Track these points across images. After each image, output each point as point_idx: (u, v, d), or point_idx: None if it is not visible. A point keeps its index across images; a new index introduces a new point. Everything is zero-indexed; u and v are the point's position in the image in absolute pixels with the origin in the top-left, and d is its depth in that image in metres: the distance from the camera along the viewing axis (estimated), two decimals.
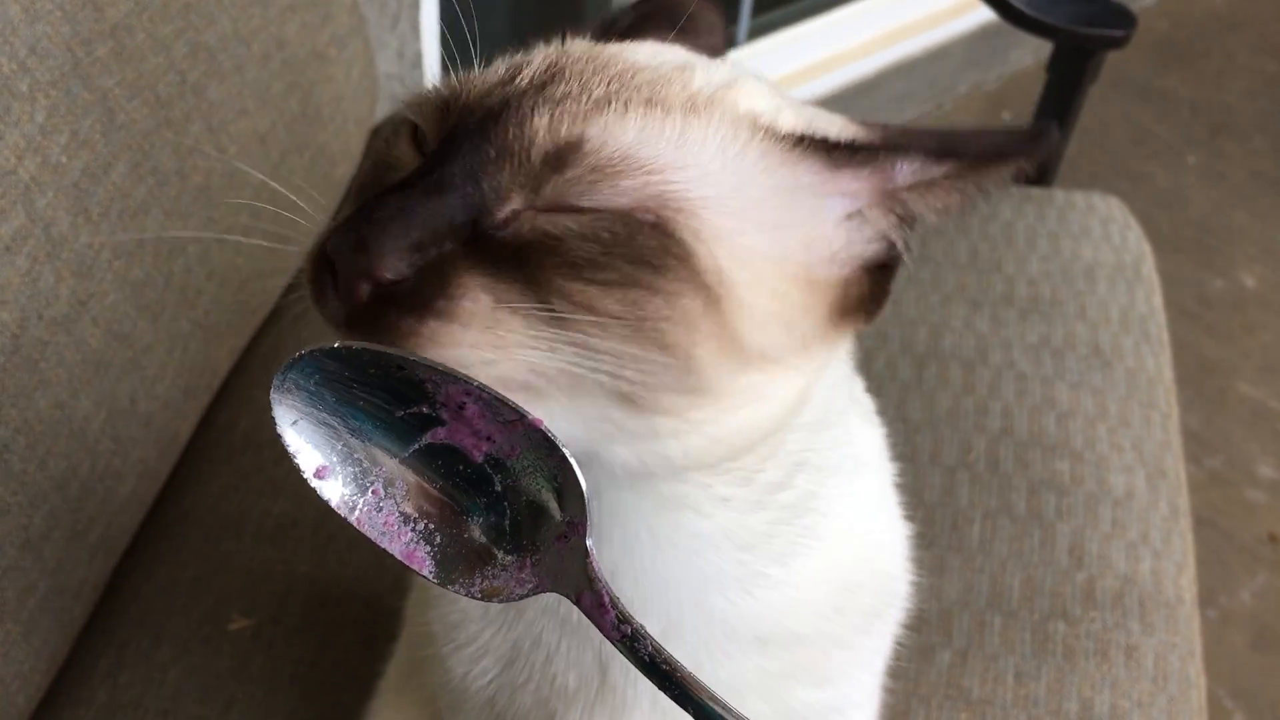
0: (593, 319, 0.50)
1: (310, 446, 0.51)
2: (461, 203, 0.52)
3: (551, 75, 0.56)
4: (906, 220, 0.58)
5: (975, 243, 1.44)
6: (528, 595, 0.51)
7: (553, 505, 0.51)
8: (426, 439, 0.52)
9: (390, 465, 0.52)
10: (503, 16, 2.24)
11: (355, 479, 0.52)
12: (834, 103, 2.60)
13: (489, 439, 0.51)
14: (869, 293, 0.59)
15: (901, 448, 0.84)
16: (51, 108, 0.93)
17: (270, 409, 0.51)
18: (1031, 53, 2.97)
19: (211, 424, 1.21)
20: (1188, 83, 3.13)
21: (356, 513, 0.51)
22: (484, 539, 0.52)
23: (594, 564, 0.50)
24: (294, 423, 0.51)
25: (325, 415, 0.51)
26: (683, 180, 0.53)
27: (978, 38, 2.83)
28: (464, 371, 0.49)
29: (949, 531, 1.14)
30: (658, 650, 0.50)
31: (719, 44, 0.73)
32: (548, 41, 0.63)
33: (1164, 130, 2.98)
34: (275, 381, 0.50)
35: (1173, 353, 1.37)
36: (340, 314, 0.51)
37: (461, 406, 0.50)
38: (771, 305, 0.55)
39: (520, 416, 0.50)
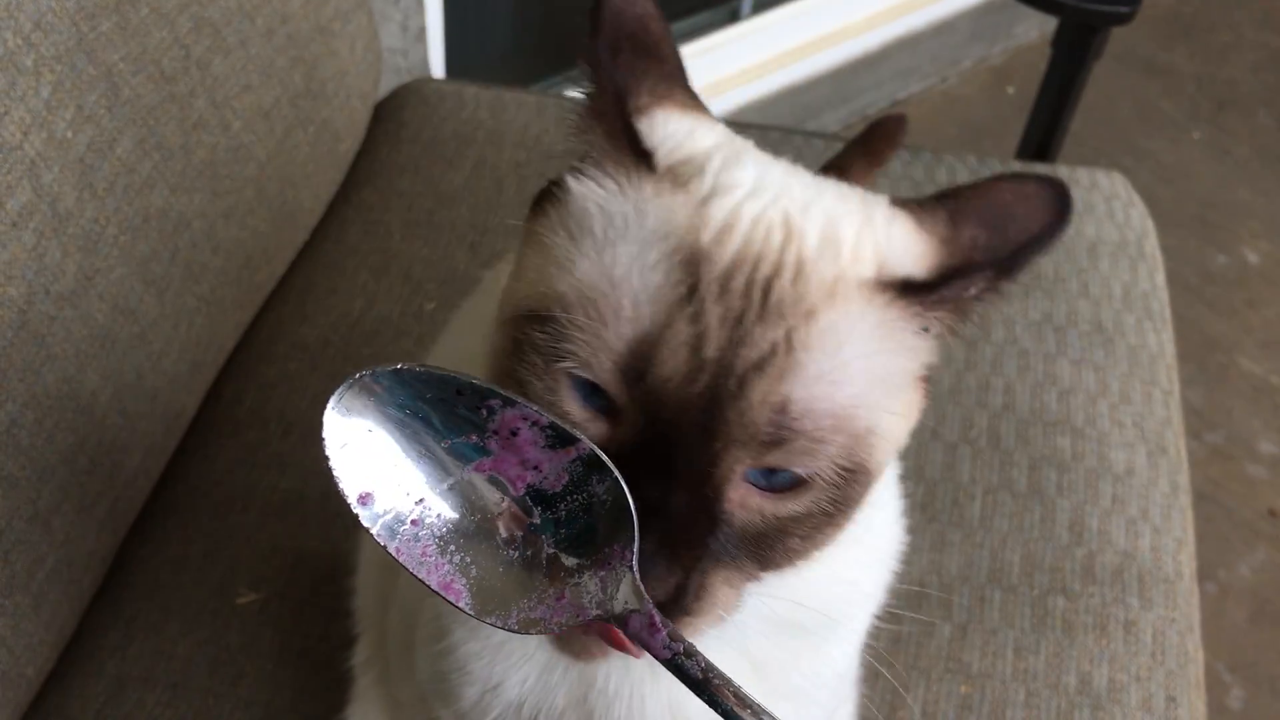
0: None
1: (356, 472, 0.51)
2: (707, 516, 0.54)
3: (738, 331, 0.53)
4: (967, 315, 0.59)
5: None
6: (567, 624, 0.52)
7: (601, 530, 0.51)
8: (470, 470, 0.52)
9: (431, 493, 0.52)
10: None
11: (396, 506, 0.51)
12: (838, 77, 2.59)
13: (536, 468, 0.51)
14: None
15: None
16: (56, 82, 0.93)
17: (321, 430, 0.50)
18: (1036, 27, 2.96)
19: (218, 399, 1.21)
20: (1193, 58, 3.11)
21: (396, 541, 0.51)
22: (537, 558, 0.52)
23: (640, 585, 0.51)
24: (343, 445, 0.50)
25: (373, 443, 0.51)
26: (864, 413, 0.55)
27: (982, 12, 2.81)
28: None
29: (950, 507, 1.15)
30: (710, 667, 0.50)
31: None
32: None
33: (1169, 106, 2.97)
34: (331, 403, 0.50)
35: (1175, 328, 1.37)
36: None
37: (515, 432, 0.51)
38: (896, 447, 0.60)
39: (576, 441, 0.51)
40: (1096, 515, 1.14)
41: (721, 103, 2.38)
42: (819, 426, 0.53)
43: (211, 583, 1.07)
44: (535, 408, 0.51)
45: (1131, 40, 3.02)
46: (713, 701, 0.50)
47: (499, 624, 0.52)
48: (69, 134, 0.94)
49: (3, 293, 0.88)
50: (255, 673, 1.02)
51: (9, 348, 0.88)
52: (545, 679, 0.69)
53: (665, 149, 0.57)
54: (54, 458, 0.94)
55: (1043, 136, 1.56)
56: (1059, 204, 0.57)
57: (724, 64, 2.41)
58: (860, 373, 0.54)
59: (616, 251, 0.54)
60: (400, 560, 0.51)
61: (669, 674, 0.67)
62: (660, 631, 0.51)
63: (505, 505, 0.52)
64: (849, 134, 1.62)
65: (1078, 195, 1.46)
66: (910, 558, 0.79)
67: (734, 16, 2.46)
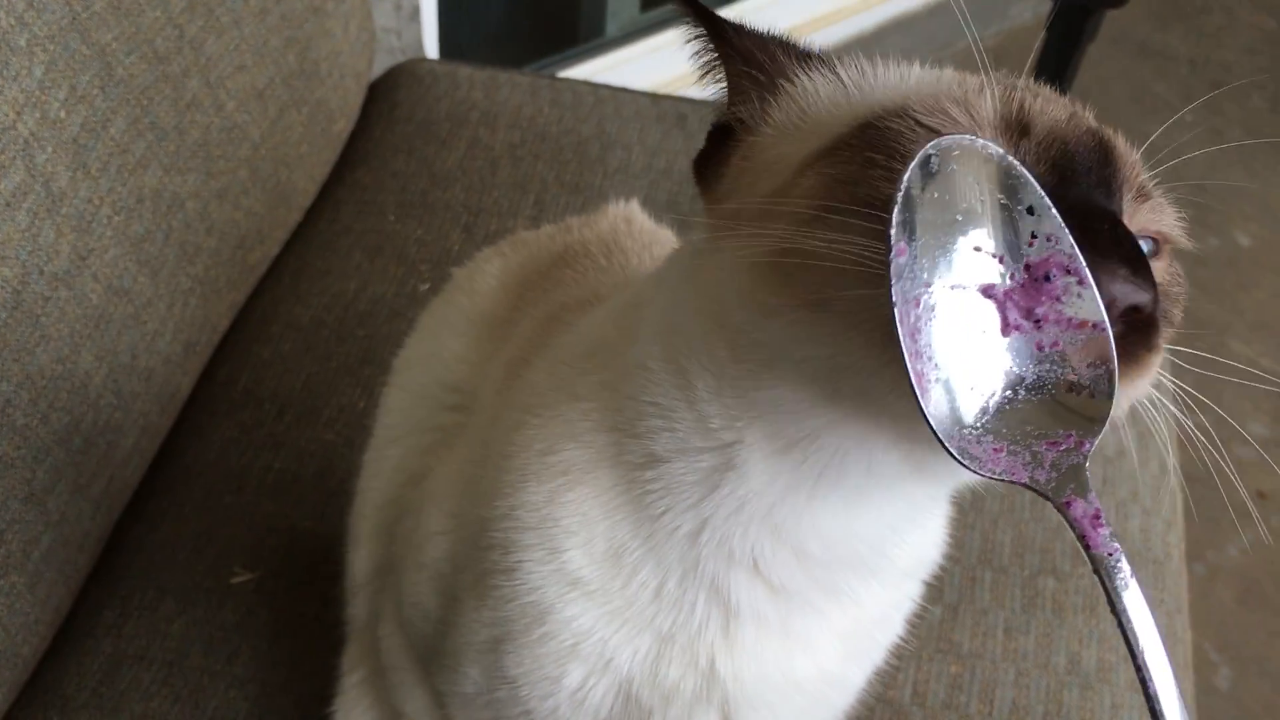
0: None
1: (900, 218, 0.47)
2: (1137, 250, 0.53)
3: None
4: None
5: None
6: (998, 478, 0.49)
7: (1063, 414, 0.49)
8: (977, 285, 0.48)
9: (938, 281, 0.47)
10: None
11: (911, 277, 0.47)
12: None
13: (1037, 323, 0.48)
14: None
15: None
16: (50, 62, 0.93)
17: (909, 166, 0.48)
18: (1031, 9, 2.95)
19: (212, 379, 1.21)
20: (1187, 40, 3.11)
21: (897, 306, 0.47)
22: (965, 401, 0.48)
23: (1089, 477, 0.49)
24: (903, 188, 0.47)
25: (923, 201, 0.48)
26: None
27: None
28: None
29: None
30: (1136, 582, 0.48)
31: None
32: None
33: (1162, 88, 2.97)
34: (930, 149, 0.48)
35: None
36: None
37: (1047, 277, 0.48)
38: None
39: (1097, 324, 0.48)
40: None
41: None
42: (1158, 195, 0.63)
43: (206, 562, 1.08)
44: (1087, 271, 0.48)
45: (1125, 22, 3.02)
46: (1124, 619, 0.49)
47: (942, 430, 0.47)
48: (62, 114, 0.94)
49: None
50: (250, 651, 1.03)
51: (3, 328, 0.88)
52: (662, 649, 0.66)
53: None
54: (49, 438, 0.94)
55: None
56: None
57: None
58: None
59: (914, 83, 0.67)
60: (893, 303, 0.47)
61: (799, 637, 0.67)
62: (1104, 527, 0.49)
63: (986, 332, 0.48)
64: None
65: None
66: None
67: None
